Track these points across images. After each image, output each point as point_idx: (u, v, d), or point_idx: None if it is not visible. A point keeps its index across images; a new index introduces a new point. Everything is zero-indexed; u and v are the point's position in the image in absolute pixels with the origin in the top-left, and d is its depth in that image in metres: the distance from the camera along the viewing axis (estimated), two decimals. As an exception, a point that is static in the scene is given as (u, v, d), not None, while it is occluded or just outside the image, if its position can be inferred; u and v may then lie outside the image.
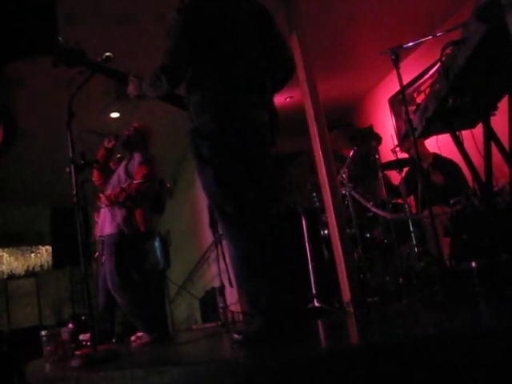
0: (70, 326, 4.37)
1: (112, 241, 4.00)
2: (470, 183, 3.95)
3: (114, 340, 4.54)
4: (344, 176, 4.90)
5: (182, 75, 2.47)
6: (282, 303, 2.35)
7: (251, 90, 2.50)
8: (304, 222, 4.57)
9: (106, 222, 4.15)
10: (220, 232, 2.56)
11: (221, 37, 2.49)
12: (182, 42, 2.42)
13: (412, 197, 5.00)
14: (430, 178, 4.81)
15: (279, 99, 7.00)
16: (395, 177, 4.99)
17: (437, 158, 5.01)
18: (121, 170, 4.28)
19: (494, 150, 3.02)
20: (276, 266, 2.40)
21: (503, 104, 2.98)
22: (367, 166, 5.77)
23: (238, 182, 2.46)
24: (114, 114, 6.85)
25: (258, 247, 2.38)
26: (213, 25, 2.49)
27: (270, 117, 2.58)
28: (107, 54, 2.91)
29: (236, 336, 2.36)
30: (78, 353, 2.86)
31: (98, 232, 4.34)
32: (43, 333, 3.45)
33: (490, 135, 3.03)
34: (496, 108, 3.06)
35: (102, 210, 4.25)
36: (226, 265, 6.20)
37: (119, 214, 4.06)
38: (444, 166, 4.93)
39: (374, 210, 4.81)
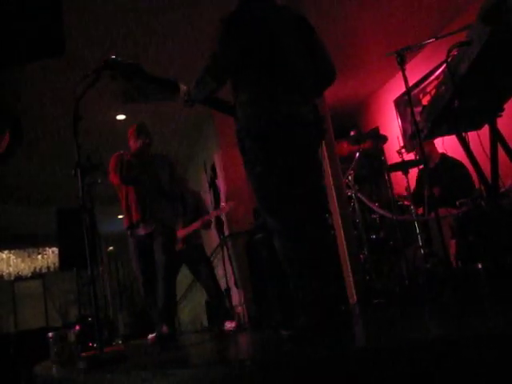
0: (77, 327, 4.39)
1: None
2: (477, 184, 3.93)
3: (120, 341, 4.57)
4: (350, 178, 4.89)
5: (225, 72, 2.58)
6: (327, 298, 2.39)
7: (295, 90, 2.59)
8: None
9: None
10: (269, 227, 2.62)
11: (263, 43, 2.59)
12: (223, 46, 2.54)
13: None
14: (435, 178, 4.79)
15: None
16: (401, 178, 4.97)
17: (444, 158, 4.99)
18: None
19: (500, 151, 3.01)
20: (322, 262, 2.46)
21: (509, 105, 2.97)
22: (373, 167, 5.77)
23: (285, 180, 2.52)
24: (120, 116, 6.87)
25: (304, 245, 2.45)
26: (254, 32, 2.61)
27: (314, 116, 2.64)
28: (112, 57, 2.93)
29: (284, 332, 2.40)
30: (84, 354, 2.87)
31: None
32: (50, 334, 3.45)
33: (496, 137, 3.02)
34: (502, 109, 3.05)
35: None
36: (231, 267, 6.22)
37: None
38: (451, 167, 4.91)
39: (379, 211, 4.80)
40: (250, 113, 2.54)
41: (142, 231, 4.38)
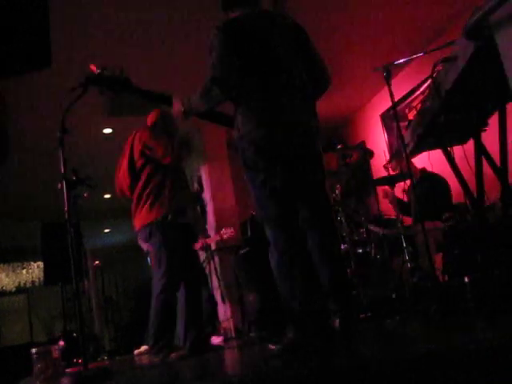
0: (61, 343, 4.33)
1: None
2: (462, 198, 3.96)
3: (105, 357, 4.51)
4: (337, 192, 4.91)
5: (232, 83, 2.55)
6: (314, 307, 2.41)
7: (295, 96, 2.62)
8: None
9: None
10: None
11: (260, 49, 2.62)
12: (225, 54, 2.53)
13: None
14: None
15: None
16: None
17: (424, 173, 5.05)
18: None
19: (485, 165, 3.04)
20: (310, 271, 2.50)
21: (493, 120, 3.00)
22: (360, 181, 5.80)
23: (283, 186, 2.54)
24: (107, 130, 6.85)
25: (295, 251, 2.48)
26: (251, 39, 2.63)
27: (315, 123, 2.71)
28: (99, 70, 2.92)
29: (271, 347, 2.38)
30: (68, 371, 2.83)
31: None
32: (33, 350, 3.40)
33: (480, 151, 3.05)
34: (487, 124, 3.08)
35: None
36: (218, 281, 6.20)
37: None
38: (430, 181, 4.97)
39: (366, 225, 4.81)
40: (248, 121, 2.55)
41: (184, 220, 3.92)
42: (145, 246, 3.92)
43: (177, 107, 2.78)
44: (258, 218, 2.63)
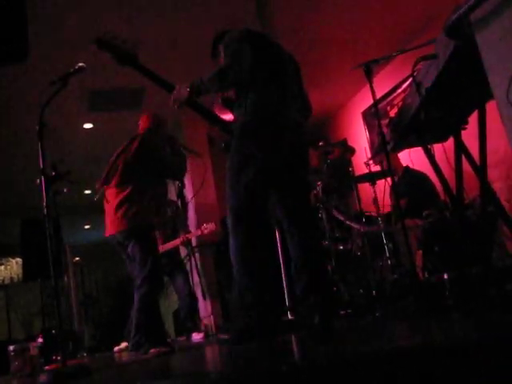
0: (40, 340, 4.28)
1: None
2: (442, 196, 3.99)
3: (85, 354, 4.47)
4: (318, 189, 4.92)
5: (245, 75, 2.72)
6: (266, 302, 2.55)
7: (295, 102, 2.93)
8: (277, 234, 4.56)
9: None
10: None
11: (273, 60, 2.90)
12: (244, 48, 2.72)
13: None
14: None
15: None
16: (368, 190, 5.02)
17: (407, 170, 5.09)
18: None
19: (465, 163, 3.06)
20: (267, 267, 2.66)
21: (473, 118, 3.03)
22: (341, 178, 5.81)
23: (263, 177, 2.69)
24: (87, 125, 6.79)
25: (255, 245, 2.60)
26: (267, 49, 2.89)
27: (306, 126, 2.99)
28: (80, 64, 2.88)
29: (222, 336, 2.46)
30: (47, 368, 2.80)
31: None
32: (11, 347, 3.36)
33: (460, 149, 3.07)
34: (466, 122, 3.11)
35: None
36: (199, 277, 6.19)
37: None
38: (414, 180, 5.00)
39: (347, 222, 4.83)
40: (250, 112, 2.72)
41: None
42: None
43: (183, 90, 2.83)
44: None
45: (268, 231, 2.83)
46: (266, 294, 2.58)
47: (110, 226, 3.81)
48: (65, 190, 4.37)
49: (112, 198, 3.81)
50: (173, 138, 4.06)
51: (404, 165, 5.13)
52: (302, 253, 2.73)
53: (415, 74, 2.79)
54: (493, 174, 3.73)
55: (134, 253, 3.72)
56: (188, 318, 5.59)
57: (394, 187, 4.51)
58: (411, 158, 4.39)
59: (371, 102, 3.51)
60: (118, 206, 3.74)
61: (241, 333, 2.48)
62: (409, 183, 5.00)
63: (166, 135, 4.07)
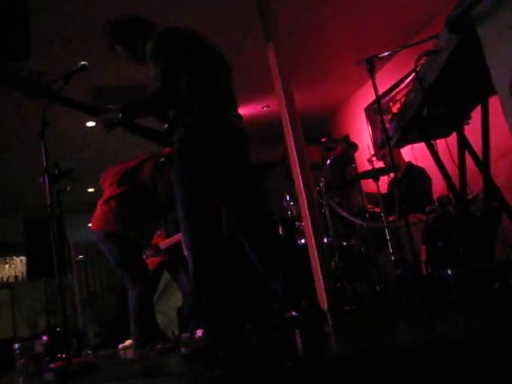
0: (44, 338, 4.30)
1: None
2: (445, 191, 3.99)
3: (89, 351, 4.49)
4: (321, 185, 4.91)
5: (181, 95, 2.51)
6: (232, 319, 2.43)
7: (230, 102, 2.74)
8: (281, 230, 4.56)
9: None
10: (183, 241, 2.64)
11: (199, 58, 2.66)
12: (173, 61, 2.50)
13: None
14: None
15: (256, 108, 7.03)
16: (372, 186, 5.01)
17: (410, 166, 5.10)
18: None
19: (468, 158, 3.06)
20: (232, 284, 2.51)
21: (476, 113, 3.02)
22: (344, 175, 5.81)
23: (213, 192, 2.53)
24: (90, 123, 6.79)
25: (216, 264, 2.45)
26: (191, 48, 2.65)
27: (243, 126, 2.77)
28: (82, 62, 2.88)
29: (184, 350, 2.43)
30: (52, 366, 2.80)
31: None
32: (16, 345, 3.37)
33: (463, 144, 3.06)
34: (469, 117, 3.10)
35: None
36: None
37: None
38: (414, 175, 5.03)
39: (350, 218, 4.83)
40: (189, 123, 2.55)
41: None
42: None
43: (114, 114, 2.62)
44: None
45: (229, 244, 2.68)
46: (231, 309, 2.47)
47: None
48: (68, 188, 4.38)
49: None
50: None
51: (407, 160, 5.13)
52: (267, 253, 2.68)
53: (418, 69, 2.78)
54: (496, 169, 3.73)
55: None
56: (192, 315, 5.59)
57: (397, 183, 4.52)
58: (414, 153, 4.38)
59: (374, 97, 3.50)
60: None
61: (202, 350, 2.38)
62: (411, 179, 5.01)
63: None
